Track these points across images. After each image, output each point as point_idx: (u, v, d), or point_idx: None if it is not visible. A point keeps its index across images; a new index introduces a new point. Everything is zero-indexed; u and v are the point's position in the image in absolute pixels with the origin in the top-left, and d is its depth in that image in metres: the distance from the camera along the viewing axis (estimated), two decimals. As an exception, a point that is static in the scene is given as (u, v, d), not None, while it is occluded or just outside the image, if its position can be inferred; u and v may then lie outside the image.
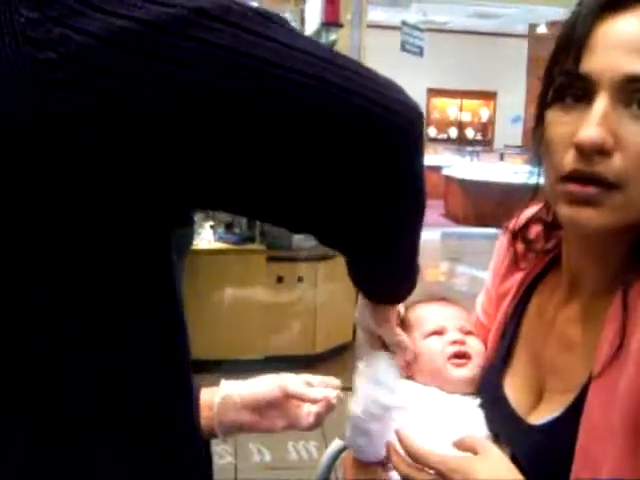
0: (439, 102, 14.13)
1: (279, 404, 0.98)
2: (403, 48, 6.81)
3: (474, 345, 1.01)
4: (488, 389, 0.95)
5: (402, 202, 0.65)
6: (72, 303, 0.54)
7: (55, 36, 0.48)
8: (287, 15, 6.18)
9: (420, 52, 6.95)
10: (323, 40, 4.34)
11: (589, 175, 0.71)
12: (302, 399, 0.99)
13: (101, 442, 0.58)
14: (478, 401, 0.97)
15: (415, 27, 6.92)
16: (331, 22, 4.48)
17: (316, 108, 0.54)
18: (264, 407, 0.98)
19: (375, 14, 8.60)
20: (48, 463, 0.56)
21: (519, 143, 11.78)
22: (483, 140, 14.01)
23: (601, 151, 0.70)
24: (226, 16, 0.51)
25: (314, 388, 1.00)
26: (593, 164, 0.71)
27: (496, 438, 0.92)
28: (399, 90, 0.60)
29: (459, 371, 0.98)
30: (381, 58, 5.81)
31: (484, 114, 14.26)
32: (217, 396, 0.97)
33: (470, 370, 0.98)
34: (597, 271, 0.81)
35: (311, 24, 4.88)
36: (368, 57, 4.70)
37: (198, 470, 0.70)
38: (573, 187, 0.72)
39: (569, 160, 0.73)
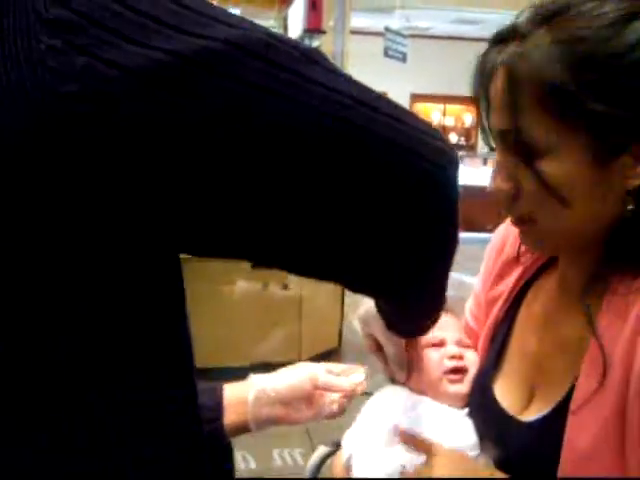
0: (422, 107, 14.18)
1: (309, 395, 0.99)
2: (386, 54, 6.82)
3: (471, 359, 1.01)
4: (478, 392, 0.96)
5: (435, 247, 0.62)
6: (81, 321, 0.51)
7: (79, 66, 0.44)
8: (271, 22, 6.19)
9: (403, 58, 6.96)
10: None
11: (510, 216, 0.85)
12: (330, 390, 0.99)
13: (107, 450, 0.55)
14: (466, 410, 0.97)
15: (398, 33, 6.94)
16: (314, 29, 4.49)
17: (350, 155, 0.52)
18: (296, 399, 0.99)
19: (358, 20, 8.62)
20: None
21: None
22: (467, 145, 14.06)
23: (508, 196, 0.80)
24: (264, 52, 0.49)
25: (341, 378, 1.01)
26: (510, 208, 0.82)
27: (485, 443, 0.92)
28: (438, 137, 0.58)
29: (455, 387, 0.99)
30: (364, 64, 5.82)
31: (467, 119, 14.31)
32: (251, 391, 0.98)
33: (465, 386, 0.99)
34: (581, 274, 0.83)
35: (294, 31, 4.89)
36: (351, 63, 4.72)
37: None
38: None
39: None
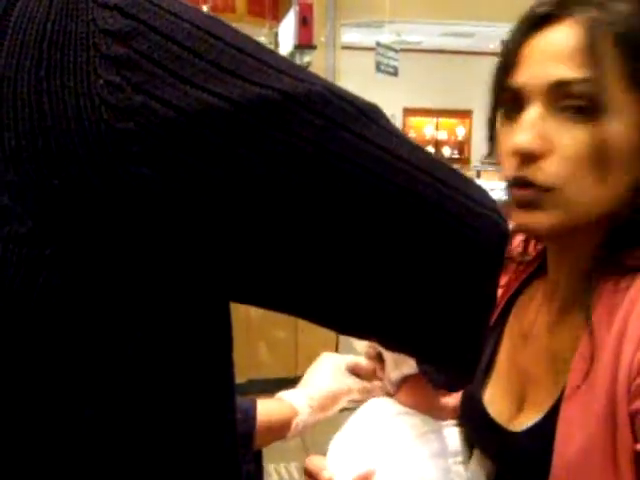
0: (415, 121, 14.24)
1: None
2: (378, 69, 6.84)
3: None
4: (468, 402, 0.96)
5: (477, 313, 0.62)
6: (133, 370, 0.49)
7: (136, 105, 0.43)
8: (262, 39, 6.22)
9: (395, 72, 6.98)
10: (297, 62, 4.38)
11: (524, 180, 0.76)
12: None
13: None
14: (455, 420, 0.97)
15: (389, 47, 6.97)
16: (305, 44, 4.52)
17: (400, 222, 0.51)
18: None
19: (349, 35, 8.67)
20: None
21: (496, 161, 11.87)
22: (460, 158, 14.11)
23: (533, 156, 0.75)
24: (323, 108, 0.47)
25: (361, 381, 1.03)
26: (526, 169, 0.76)
27: (472, 452, 0.92)
28: (493, 207, 0.57)
29: (449, 399, 0.98)
30: (356, 79, 5.85)
31: (460, 132, 14.37)
32: (296, 420, 0.98)
33: (455, 398, 0.99)
34: (572, 279, 0.83)
35: (285, 46, 4.91)
36: (343, 78, 4.73)
37: None
38: (514, 191, 0.78)
39: (511, 167, 0.77)
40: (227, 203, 0.46)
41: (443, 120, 14.38)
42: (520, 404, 0.88)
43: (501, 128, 0.82)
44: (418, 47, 12.61)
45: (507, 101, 0.81)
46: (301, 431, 0.98)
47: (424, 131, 14.36)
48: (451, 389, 0.90)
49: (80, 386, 0.47)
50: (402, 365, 0.97)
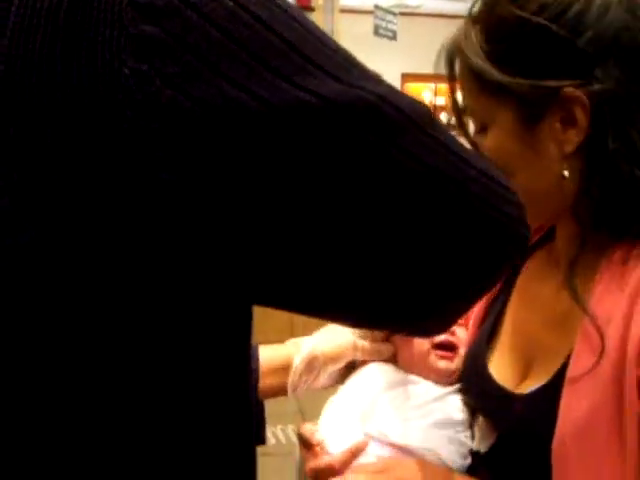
0: (413, 87, 14.10)
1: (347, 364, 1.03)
2: (376, 32, 6.76)
3: (461, 336, 1.01)
4: (472, 369, 0.96)
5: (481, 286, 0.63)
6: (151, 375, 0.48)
7: (163, 101, 0.38)
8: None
9: (394, 36, 6.90)
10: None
11: None
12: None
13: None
14: (454, 387, 0.98)
15: (388, 11, 6.88)
16: (303, 6, 4.46)
17: (449, 216, 0.51)
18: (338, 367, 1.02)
19: (348, -2, 8.54)
20: None
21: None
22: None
23: None
24: (369, 123, 0.45)
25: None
26: None
27: (475, 418, 0.92)
28: (521, 204, 0.59)
29: (443, 363, 0.98)
30: (354, 43, 5.77)
31: (459, 98, 14.26)
32: (297, 359, 0.99)
33: (454, 362, 0.99)
34: (571, 245, 0.83)
35: (283, 9, 4.83)
36: (341, 42, 4.68)
37: None
38: None
39: None
40: (258, 209, 0.43)
41: (442, 86, 14.25)
42: (526, 369, 0.88)
43: None
44: (418, 11, 12.45)
45: None
46: (305, 374, 0.98)
47: (422, 97, 14.23)
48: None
49: (89, 379, 0.45)
50: None
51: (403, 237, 0.49)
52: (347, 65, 0.47)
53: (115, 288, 0.43)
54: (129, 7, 0.38)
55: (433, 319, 0.61)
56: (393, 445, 0.89)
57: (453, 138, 0.53)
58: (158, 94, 0.38)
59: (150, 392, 0.48)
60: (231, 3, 0.40)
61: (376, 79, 0.48)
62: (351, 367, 1.04)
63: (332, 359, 1.00)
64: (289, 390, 0.99)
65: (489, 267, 0.57)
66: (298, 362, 0.98)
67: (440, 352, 0.99)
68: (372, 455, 0.89)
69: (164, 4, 0.38)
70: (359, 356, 1.01)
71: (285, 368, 0.99)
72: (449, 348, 0.99)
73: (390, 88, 0.48)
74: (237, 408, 0.57)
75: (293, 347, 1.01)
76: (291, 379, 0.98)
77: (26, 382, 0.43)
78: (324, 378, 1.02)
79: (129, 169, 0.39)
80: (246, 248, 0.45)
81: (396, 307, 0.55)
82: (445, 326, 0.67)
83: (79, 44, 0.38)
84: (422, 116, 0.50)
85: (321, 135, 0.42)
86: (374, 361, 1.01)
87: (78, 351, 0.43)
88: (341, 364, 1.02)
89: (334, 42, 0.49)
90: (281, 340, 1.02)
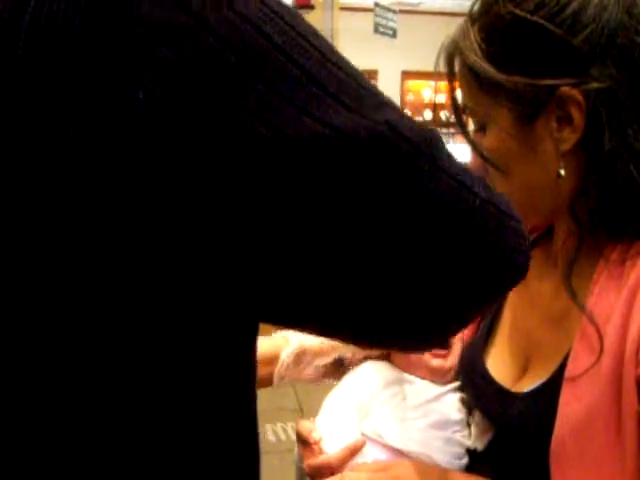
0: (413, 84, 14.10)
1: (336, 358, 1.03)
2: (376, 30, 6.77)
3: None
4: (470, 367, 0.96)
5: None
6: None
7: (181, 126, 0.38)
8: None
9: (393, 34, 6.91)
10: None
11: None
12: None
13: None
14: (452, 385, 0.98)
15: (388, 9, 6.88)
16: (303, 4, 4.45)
17: (453, 245, 0.52)
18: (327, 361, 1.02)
19: (348, -4, 8.53)
20: None
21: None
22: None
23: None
24: (377, 155, 0.46)
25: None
26: None
27: (472, 416, 0.92)
28: (523, 232, 0.60)
29: (437, 361, 0.98)
30: (354, 41, 5.78)
31: (459, 96, 14.25)
32: (287, 350, 0.99)
33: (448, 361, 0.99)
34: (571, 244, 0.83)
35: (283, 7, 4.83)
36: (341, 40, 4.68)
37: None
38: None
39: None
40: (267, 233, 0.45)
41: (442, 83, 14.22)
42: (524, 367, 0.88)
43: None
44: (417, 8, 12.45)
45: None
46: (292, 366, 0.98)
47: (422, 94, 14.23)
48: None
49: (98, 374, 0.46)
50: None
51: (408, 262, 0.51)
52: (360, 91, 0.48)
53: (121, 289, 0.43)
54: (143, 26, 0.38)
55: (433, 339, 0.63)
56: (389, 448, 0.90)
57: (459, 164, 0.54)
58: (174, 120, 0.38)
59: (155, 394, 0.48)
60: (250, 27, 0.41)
61: (387, 105, 0.49)
62: (339, 362, 1.04)
63: (321, 353, 1.00)
64: (274, 381, 0.99)
65: (489, 293, 0.60)
66: (286, 355, 0.98)
67: (434, 350, 0.99)
68: (368, 456, 0.89)
69: (181, 24, 0.38)
70: (348, 351, 1.01)
71: (273, 360, 0.99)
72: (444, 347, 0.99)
73: (400, 115, 0.49)
74: (242, 411, 0.58)
75: (281, 340, 1.02)
76: (277, 370, 0.99)
77: (26, 382, 0.44)
78: (310, 371, 1.02)
79: (139, 185, 0.40)
80: (256, 265, 0.46)
81: (398, 329, 0.57)
82: (442, 343, 0.69)
83: (92, 62, 0.37)
84: (430, 145, 0.50)
85: (330, 165, 0.44)
86: (363, 357, 1.01)
87: (78, 352, 0.44)
88: (330, 359, 1.02)
89: (349, 65, 0.49)
90: (267, 330, 1.02)
